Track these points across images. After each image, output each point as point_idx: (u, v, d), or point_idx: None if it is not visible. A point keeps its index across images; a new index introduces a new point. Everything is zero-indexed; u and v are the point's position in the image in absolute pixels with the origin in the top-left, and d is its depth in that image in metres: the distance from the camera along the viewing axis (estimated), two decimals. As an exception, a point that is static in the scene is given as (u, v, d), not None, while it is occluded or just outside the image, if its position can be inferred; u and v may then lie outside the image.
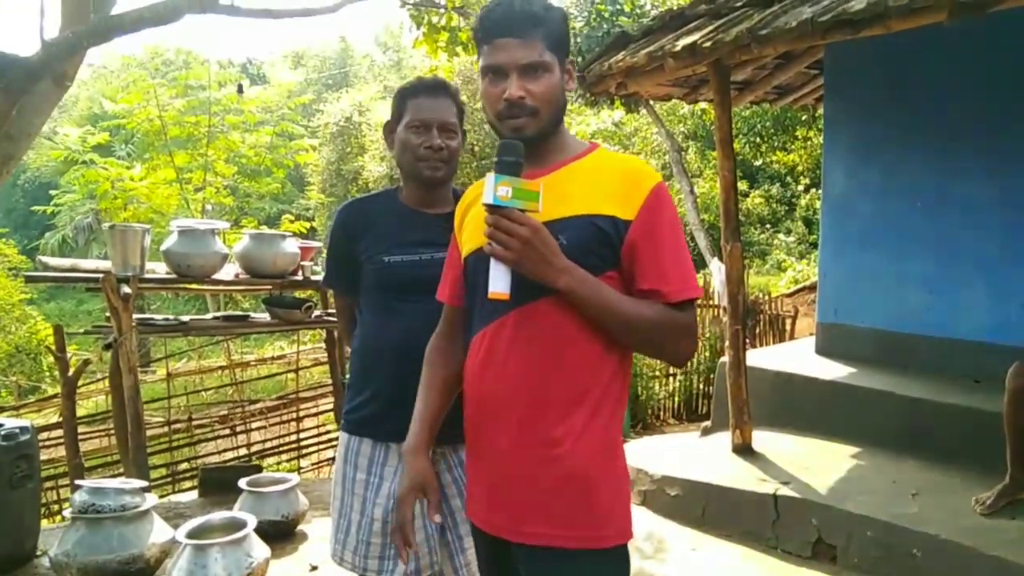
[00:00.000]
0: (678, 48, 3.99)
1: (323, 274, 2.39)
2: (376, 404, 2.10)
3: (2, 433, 3.50)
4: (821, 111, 6.56)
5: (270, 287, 5.04)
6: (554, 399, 1.46)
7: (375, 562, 2.09)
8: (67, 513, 3.45)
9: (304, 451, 7.02)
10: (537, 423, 1.46)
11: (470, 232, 1.59)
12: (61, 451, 5.52)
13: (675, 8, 4.69)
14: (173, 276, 4.52)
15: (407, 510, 1.61)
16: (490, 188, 1.38)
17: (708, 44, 3.84)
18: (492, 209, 1.39)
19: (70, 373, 4.65)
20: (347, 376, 2.37)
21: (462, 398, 1.87)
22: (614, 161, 1.55)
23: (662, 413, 7.71)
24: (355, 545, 2.11)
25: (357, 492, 2.12)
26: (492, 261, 1.40)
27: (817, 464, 4.01)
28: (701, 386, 7.77)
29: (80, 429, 5.32)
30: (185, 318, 5.02)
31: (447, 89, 2.12)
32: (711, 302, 7.91)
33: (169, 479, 6.11)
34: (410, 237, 2.09)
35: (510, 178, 1.39)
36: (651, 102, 5.64)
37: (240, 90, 13.04)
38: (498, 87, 1.48)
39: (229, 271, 4.78)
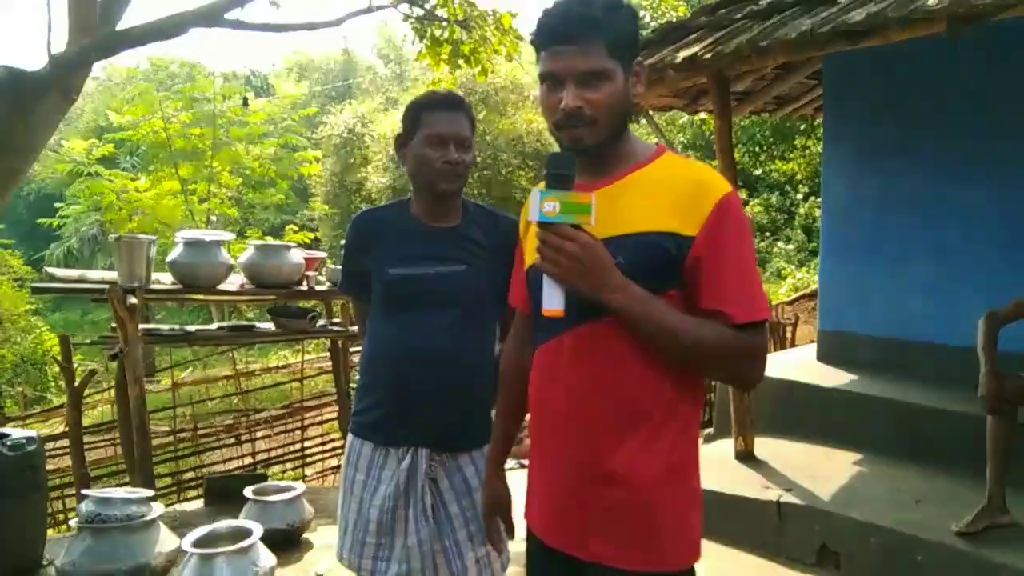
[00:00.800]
0: (679, 60, 4.02)
1: (340, 281, 2.43)
2: (378, 411, 2.14)
3: (8, 444, 3.50)
4: (820, 121, 6.59)
5: (275, 297, 5.07)
6: (612, 422, 1.41)
7: (369, 562, 2.13)
8: (73, 523, 3.46)
9: (309, 460, 7.04)
10: (594, 445, 1.42)
11: (530, 243, 1.51)
12: (67, 461, 5.54)
13: (675, 21, 4.72)
14: (179, 287, 4.55)
15: (492, 533, 1.87)
16: (535, 205, 1.32)
17: (709, 56, 3.86)
18: (542, 224, 1.33)
19: (76, 383, 4.67)
20: (352, 383, 2.42)
21: (454, 403, 2.04)
22: (681, 169, 1.44)
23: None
24: (351, 544, 2.16)
25: (355, 493, 2.16)
26: (545, 277, 1.35)
27: (820, 471, 4.01)
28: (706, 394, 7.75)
29: (86, 439, 5.34)
30: (190, 328, 5.04)
31: (462, 104, 2.14)
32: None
33: (175, 488, 6.13)
34: (416, 251, 2.11)
35: (558, 192, 1.32)
36: (651, 112, 5.67)
37: (245, 103, 13.10)
38: (555, 95, 1.40)
39: (234, 281, 4.80)
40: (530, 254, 1.51)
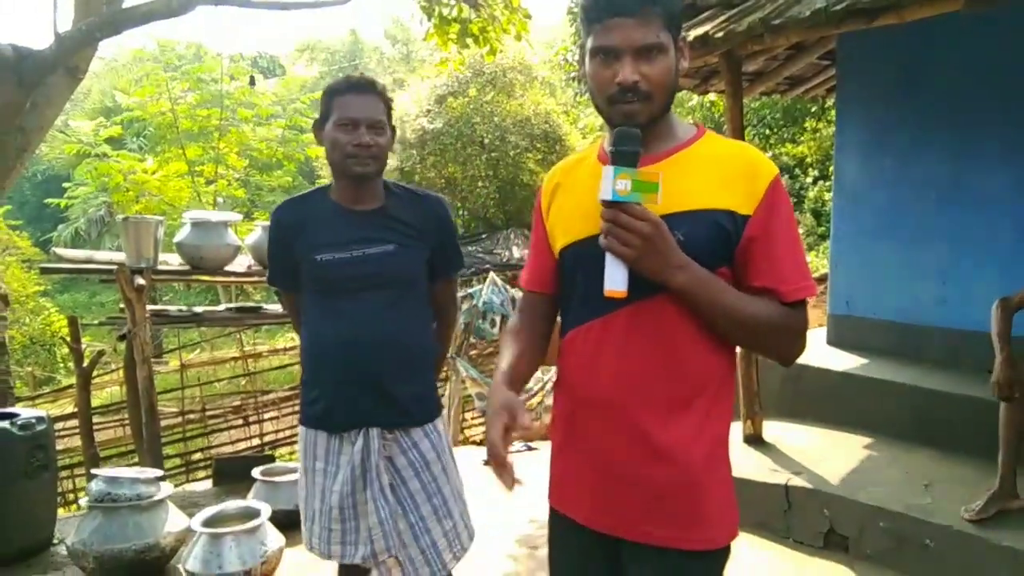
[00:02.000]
0: (689, 38, 3.95)
1: (267, 274, 2.45)
2: (326, 400, 2.16)
3: (19, 423, 3.54)
4: (831, 102, 6.51)
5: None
6: (669, 401, 1.40)
7: (338, 547, 2.17)
8: (83, 502, 3.48)
9: (316, 441, 7.06)
10: (650, 425, 1.40)
11: (567, 222, 1.51)
12: (76, 441, 5.58)
13: (686, -1, 4.65)
14: (186, 268, 4.56)
15: (494, 434, 1.37)
16: (608, 183, 1.28)
17: (720, 34, 3.81)
18: (610, 204, 1.29)
19: (85, 364, 4.70)
20: None
21: (397, 381, 2.02)
22: (728, 148, 1.44)
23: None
24: (319, 531, 2.20)
25: (317, 481, 2.20)
26: (608, 257, 1.32)
27: (829, 455, 3.98)
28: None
29: (95, 419, 5.37)
30: (198, 309, 5.05)
31: (375, 87, 2.14)
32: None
33: (183, 469, 6.18)
34: (341, 235, 2.13)
35: (628, 170, 1.28)
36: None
37: (252, 82, 13.08)
38: (609, 69, 1.36)
39: (242, 262, 4.81)
40: (570, 232, 1.48)
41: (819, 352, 5.00)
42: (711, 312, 1.35)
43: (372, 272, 2.10)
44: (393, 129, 2.21)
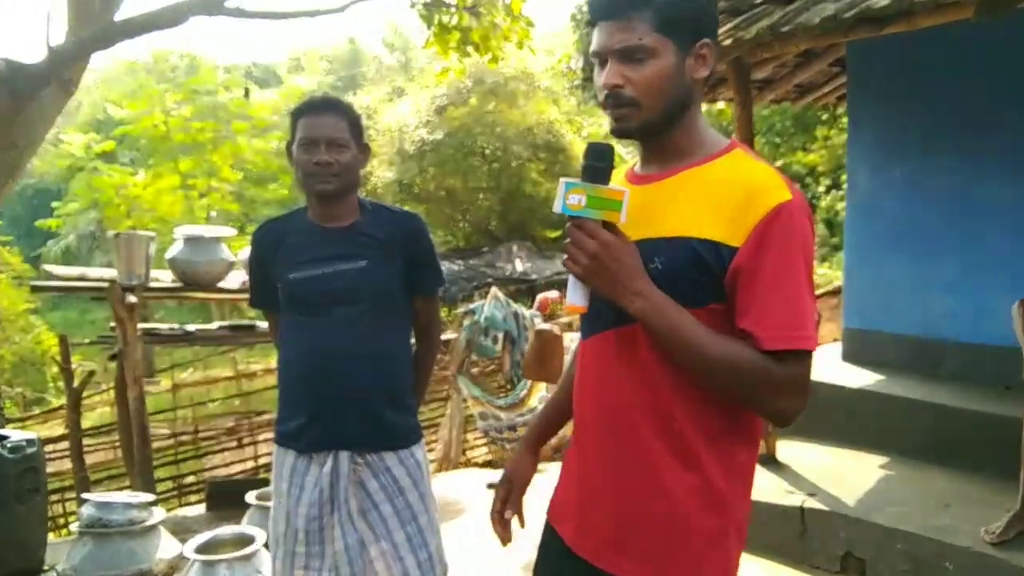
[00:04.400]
0: (696, 46, 3.90)
1: (249, 297, 2.49)
2: (296, 419, 2.17)
3: (9, 446, 3.51)
4: (842, 110, 6.46)
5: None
6: (653, 433, 1.33)
7: (301, 572, 2.15)
8: (74, 527, 3.48)
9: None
10: (632, 454, 1.35)
11: None
12: (66, 463, 5.47)
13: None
14: (179, 284, 4.49)
15: (496, 502, 1.55)
16: (560, 196, 1.27)
17: (728, 41, 3.76)
18: (570, 218, 1.27)
19: (75, 384, 4.60)
20: None
21: (368, 401, 2.07)
22: (742, 170, 1.31)
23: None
24: (283, 555, 2.18)
25: (283, 503, 2.20)
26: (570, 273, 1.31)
27: (845, 475, 3.91)
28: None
29: (85, 441, 5.27)
30: (191, 327, 4.95)
31: (334, 106, 2.18)
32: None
33: (175, 492, 6.06)
34: (314, 253, 2.16)
35: (586, 185, 1.26)
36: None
37: (246, 94, 13.06)
38: (601, 74, 1.32)
39: (235, 279, 4.73)
40: None
41: (833, 368, 4.93)
42: (674, 347, 1.25)
43: (344, 288, 2.13)
44: (366, 146, 2.25)
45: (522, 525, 1.63)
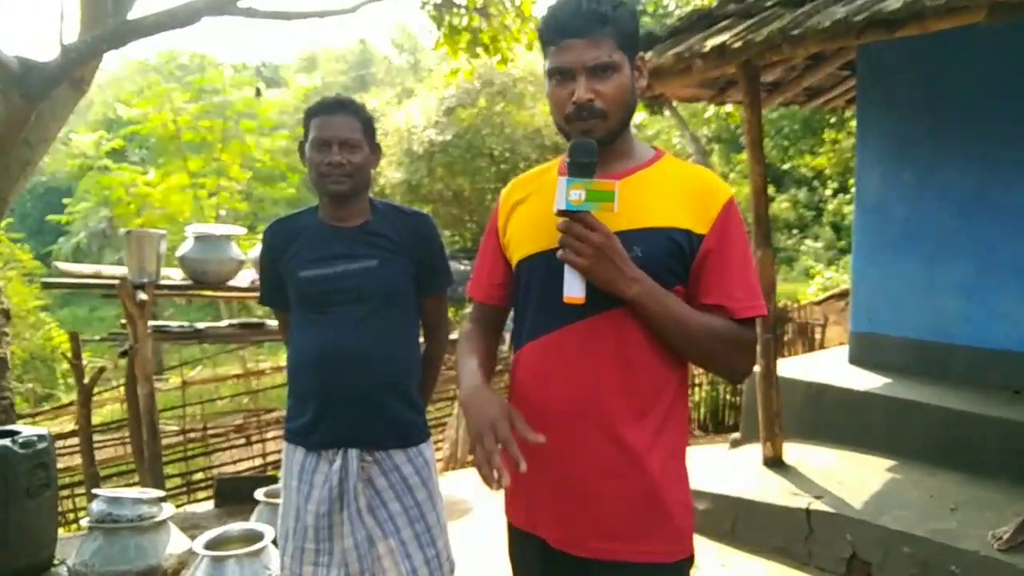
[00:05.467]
0: (707, 49, 3.91)
1: (260, 295, 2.51)
2: (305, 416, 2.18)
3: (20, 441, 3.50)
4: (850, 113, 6.45)
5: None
6: (625, 412, 1.44)
7: (310, 568, 2.16)
8: (84, 522, 3.48)
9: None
10: (606, 438, 1.44)
11: (524, 234, 1.55)
12: (76, 459, 5.50)
13: (701, 8, 4.59)
14: (189, 282, 4.49)
15: (490, 440, 1.31)
16: (562, 193, 1.34)
17: (738, 44, 3.75)
18: (565, 213, 1.35)
19: (86, 381, 4.61)
20: None
21: (376, 400, 2.06)
22: (685, 171, 1.51)
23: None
24: (292, 551, 2.18)
25: (292, 499, 2.21)
26: (567, 266, 1.37)
27: (851, 478, 3.91)
28: (728, 397, 7.66)
29: (95, 437, 5.29)
30: (200, 325, 4.97)
31: (347, 106, 2.19)
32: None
33: (184, 489, 6.08)
34: (324, 252, 2.17)
35: (583, 180, 1.34)
36: (675, 104, 5.56)
37: (258, 93, 13.09)
38: (565, 89, 1.42)
39: (245, 277, 4.74)
40: (527, 244, 1.53)
41: (841, 371, 4.92)
42: (664, 324, 1.40)
43: (353, 287, 2.14)
44: (378, 147, 2.26)
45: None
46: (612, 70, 1.41)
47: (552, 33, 1.43)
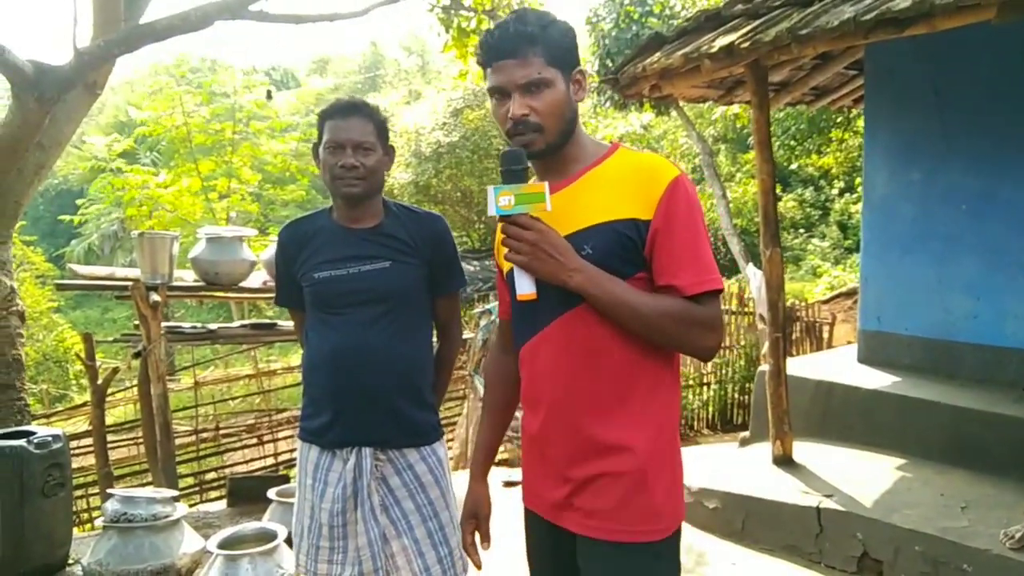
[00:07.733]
0: (715, 49, 3.91)
1: (275, 295, 2.53)
2: (320, 416, 2.20)
3: (35, 442, 3.55)
4: (857, 113, 6.43)
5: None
6: (599, 403, 1.52)
7: (324, 566, 2.18)
8: (99, 522, 3.50)
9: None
10: (588, 424, 1.53)
11: (502, 250, 1.63)
12: (90, 459, 5.54)
13: (709, 8, 4.59)
14: (201, 284, 4.52)
15: (467, 536, 1.81)
16: (491, 201, 1.45)
17: (746, 45, 3.75)
18: (502, 218, 1.45)
19: (99, 381, 4.64)
20: None
21: (390, 399, 2.13)
22: (633, 161, 1.56)
23: (696, 423, 7.62)
24: (307, 549, 2.21)
25: (307, 498, 2.23)
26: (515, 266, 1.47)
27: (861, 476, 3.90)
28: (736, 395, 7.65)
29: (108, 438, 5.33)
30: (213, 326, 5.00)
31: (361, 109, 2.20)
32: (746, 309, 7.80)
33: (197, 488, 6.11)
34: (338, 253, 2.19)
35: (510, 186, 1.44)
36: (682, 104, 5.56)
37: (269, 96, 13.13)
38: (503, 107, 1.53)
39: (257, 278, 4.77)
40: (503, 258, 1.58)
41: (850, 370, 4.92)
42: (613, 310, 1.46)
43: (367, 288, 2.15)
44: (391, 148, 2.27)
45: (487, 547, 1.84)
46: (544, 86, 1.50)
47: (487, 56, 1.54)
